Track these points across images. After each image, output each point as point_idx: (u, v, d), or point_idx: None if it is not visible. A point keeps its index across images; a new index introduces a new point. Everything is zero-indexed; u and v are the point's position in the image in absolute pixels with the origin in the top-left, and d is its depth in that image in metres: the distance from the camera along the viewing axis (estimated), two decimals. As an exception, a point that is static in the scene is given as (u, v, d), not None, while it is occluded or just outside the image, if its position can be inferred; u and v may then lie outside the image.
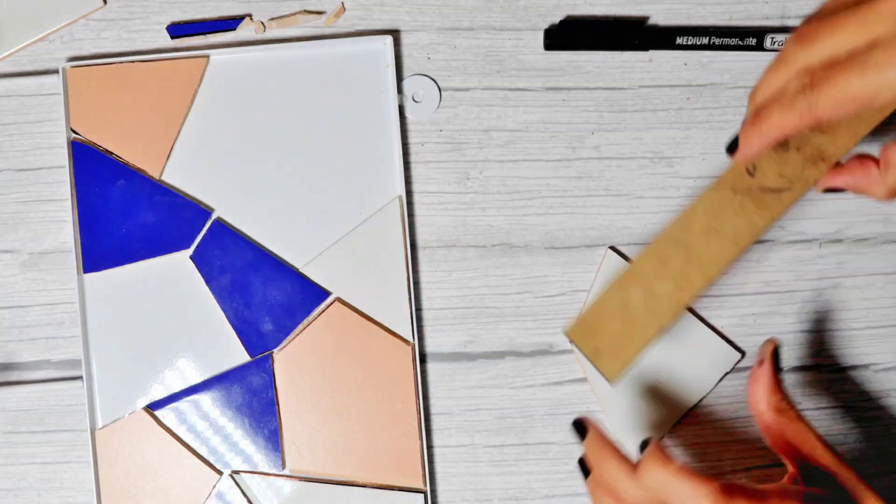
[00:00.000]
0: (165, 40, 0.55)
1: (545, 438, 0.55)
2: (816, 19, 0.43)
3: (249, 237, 0.54)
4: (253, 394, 0.53)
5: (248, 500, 0.53)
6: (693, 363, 0.54)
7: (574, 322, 0.49)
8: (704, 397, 0.54)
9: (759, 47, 0.54)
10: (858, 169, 0.47)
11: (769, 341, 0.49)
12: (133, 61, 0.54)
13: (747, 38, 0.54)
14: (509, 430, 0.55)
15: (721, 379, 0.54)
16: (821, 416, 0.55)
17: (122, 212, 0.54)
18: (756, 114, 0.44)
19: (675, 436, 0.54)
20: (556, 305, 0.55)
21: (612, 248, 0.54)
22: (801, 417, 0.47)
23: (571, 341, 0.49)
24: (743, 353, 0.54)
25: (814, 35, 0.42)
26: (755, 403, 0.48)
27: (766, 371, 0.48)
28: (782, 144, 0.47)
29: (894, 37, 0.40)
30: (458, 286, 0.55)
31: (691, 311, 0.54)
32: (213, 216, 0.54)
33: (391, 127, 0.54)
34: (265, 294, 0.54)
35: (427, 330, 0.55)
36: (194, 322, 0.54)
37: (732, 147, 0.47)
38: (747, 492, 0.42)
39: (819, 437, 0.46)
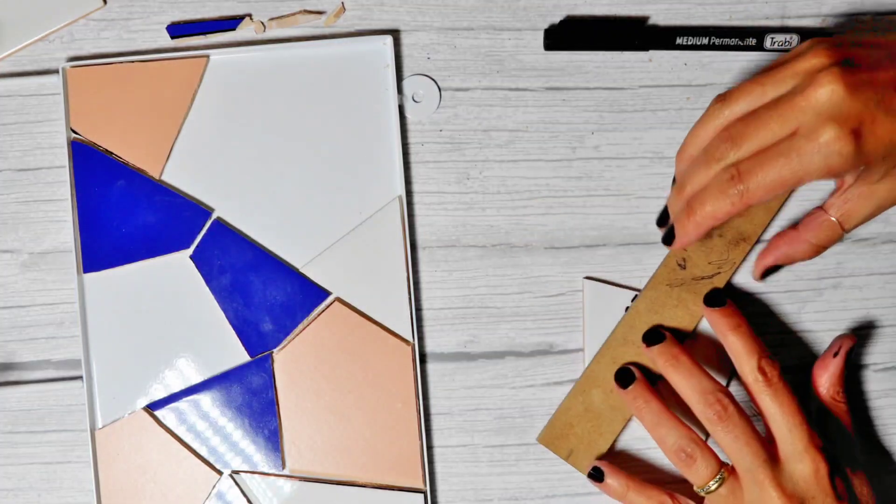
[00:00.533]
0: (165, 40, 0.55)
1: (545, 438, 0.55)
2: (742, 121, 0.46)
3: (249, 237, 0.54)
4: (253, 394, 0.53)
5: (248, 500, 0.53)
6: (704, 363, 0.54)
7: (544, 430, 0.53)
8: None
9: (759, 47, 0.54)
10: (781, 241, 0.52)
11: (848, 337, 0.53)
12: (133, 61, 0.54)
13: (747, 38, 0.54)
14: (509, 430, 0.55)
15: (733, 373, 0.54)
16: (821, 416, 0.55)
17: (122, 212, 0.54)
18: (689, 205, 0.47)
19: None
20: (556, 305, 0.55)
21: (588, 277, 0.54)
22: (847, 412, 0.51)
23: (545, 447, 0.53)
24: None
25: (740, 135, 0.45)
26: (818, 386, 0.52)
27: (837, 363, 0.52)
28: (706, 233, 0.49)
29: (812, 126, 0.43)
30: (458, 286, 0.55)
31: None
32: (213, 216, 0.54)
33: (391, 127, 0.54)
34: (265, 294, 0.54)
35: (427, 330, 0.55)
36: (194, 322, 0.54)
37: (668, 239, 0.50)
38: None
39: (852, 434, 0.51)
